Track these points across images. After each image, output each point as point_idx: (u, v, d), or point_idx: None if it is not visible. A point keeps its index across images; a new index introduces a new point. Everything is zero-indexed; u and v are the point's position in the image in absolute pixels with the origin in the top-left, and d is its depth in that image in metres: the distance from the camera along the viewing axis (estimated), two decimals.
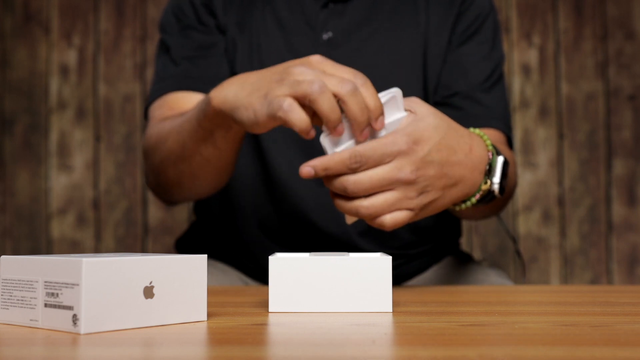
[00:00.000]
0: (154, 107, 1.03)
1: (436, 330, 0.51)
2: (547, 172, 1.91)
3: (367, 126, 0.71)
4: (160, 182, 0.98)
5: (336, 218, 1.00)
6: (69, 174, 1.92)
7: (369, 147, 0.71)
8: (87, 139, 1.92)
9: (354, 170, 0.71)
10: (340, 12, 1.03)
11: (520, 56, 1.92)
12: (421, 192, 0.73)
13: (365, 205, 0.73)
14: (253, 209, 1.04)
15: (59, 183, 1.92)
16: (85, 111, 1.93)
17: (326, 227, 1.00)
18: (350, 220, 0.77)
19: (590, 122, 1.91)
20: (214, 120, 0.81)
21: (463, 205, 0.80)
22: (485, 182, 0.79)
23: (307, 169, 0.73)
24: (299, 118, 0.70)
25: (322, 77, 0.70)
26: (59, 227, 1.92)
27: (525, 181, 1.91)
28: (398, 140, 0.72)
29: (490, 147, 0.80)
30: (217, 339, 0.48)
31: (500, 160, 0.80)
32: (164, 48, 1.06)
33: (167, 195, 1.01)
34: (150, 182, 1.02)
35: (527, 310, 0.62)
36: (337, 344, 0.46)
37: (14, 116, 1.93)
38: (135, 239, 1.91)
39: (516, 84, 1.92)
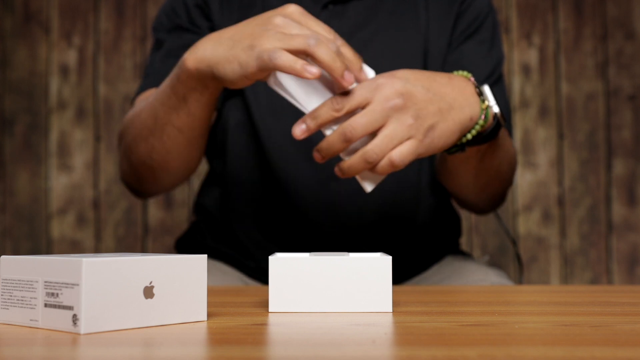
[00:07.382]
0: (137, 100, 1.04)
1: (436, 330, 0.51)
2: (547, 172, 1.91)
3: (348, 71, 0.73)
4: (132, 163, 0.97)
5: (336, 217, 1.00)
6: (69, 174, 1.92)
7: (350, 88, 0.74)
8: (87, 139, 1.92)
9: (338, 111, 0.73)
10: (340, 13, 1.03)
11: (520, 56, 1.92)
12: (417, 117, 0.74)
13: (370, 147, 0.74)
14: (253, 209, 1.04)
15: (59, 183, 1.92)
16: (85, 111, 1.93)
17: (326, 227, 1.00)
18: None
19: (590, 122, 1.91)
20: (188, 82, 0.82)
21: (473, 131, 0.80)
22: (483, 102, 0.79)
23: (300, 127, 0.75)
24: (292, 61, 0.71)
25: (311, 31, 0.73)
26: (59, 227, 1.92)
27: (525, 181, 1.91)
28: (375, 78, 0.75)
29: (469, 75, 0.82)
30: (217, 339, 0.48)
31: (486, 86, 0.81)
32: (155, 46, 1.08)
33: (139, 184, 1.01)
34: (122, 169, 1.02)
35: (527, 310, 0.62)
36: (337, 344, 0.46)
37: (14, 116, 1.93)
38: (135, 239, 1.91)
39: (516, 84, 1.92)
